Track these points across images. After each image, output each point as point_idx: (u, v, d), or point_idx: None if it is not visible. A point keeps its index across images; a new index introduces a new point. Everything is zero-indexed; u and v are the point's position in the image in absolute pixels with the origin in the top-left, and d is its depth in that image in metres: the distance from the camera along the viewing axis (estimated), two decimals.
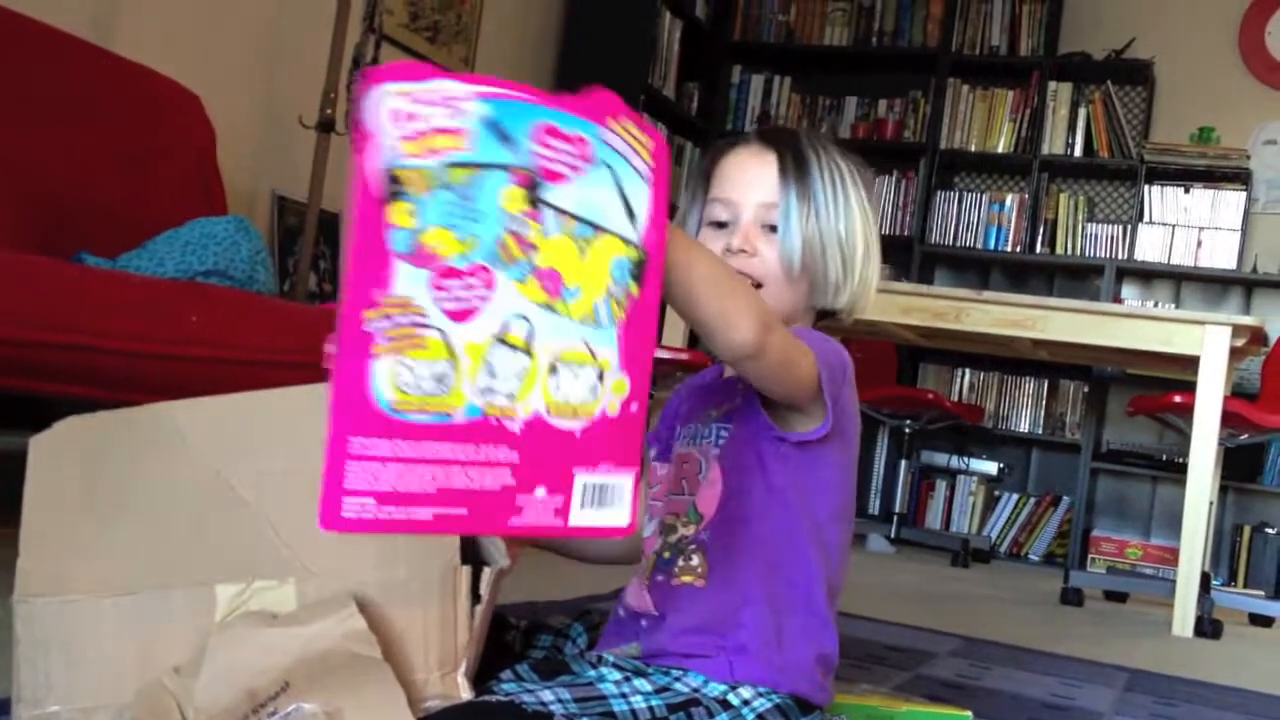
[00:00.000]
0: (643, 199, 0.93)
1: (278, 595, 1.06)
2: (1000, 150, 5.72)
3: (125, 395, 1.84)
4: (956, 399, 5.65)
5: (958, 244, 5.75)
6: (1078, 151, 5.61)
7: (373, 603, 1.07)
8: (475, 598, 1.12)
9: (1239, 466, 5.03)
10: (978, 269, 5.83)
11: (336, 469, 0.85)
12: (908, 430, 5.30)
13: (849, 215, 1.27)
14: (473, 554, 1.15)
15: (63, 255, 2.26)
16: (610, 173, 0.91)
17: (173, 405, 1.15)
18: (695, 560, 1.23)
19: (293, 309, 2.44)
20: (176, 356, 1.87)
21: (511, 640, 1.32)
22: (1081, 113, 5.62)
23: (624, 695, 1.13)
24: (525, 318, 0.89)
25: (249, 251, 2.46)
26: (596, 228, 0.91)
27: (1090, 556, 5.33)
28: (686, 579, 1.23)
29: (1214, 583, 4.30)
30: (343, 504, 0.85)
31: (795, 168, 1.27)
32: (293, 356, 2.03)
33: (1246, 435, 3.95)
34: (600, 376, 0.92)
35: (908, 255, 5.72)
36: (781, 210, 1.26)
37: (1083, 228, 5.59)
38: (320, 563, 1.08)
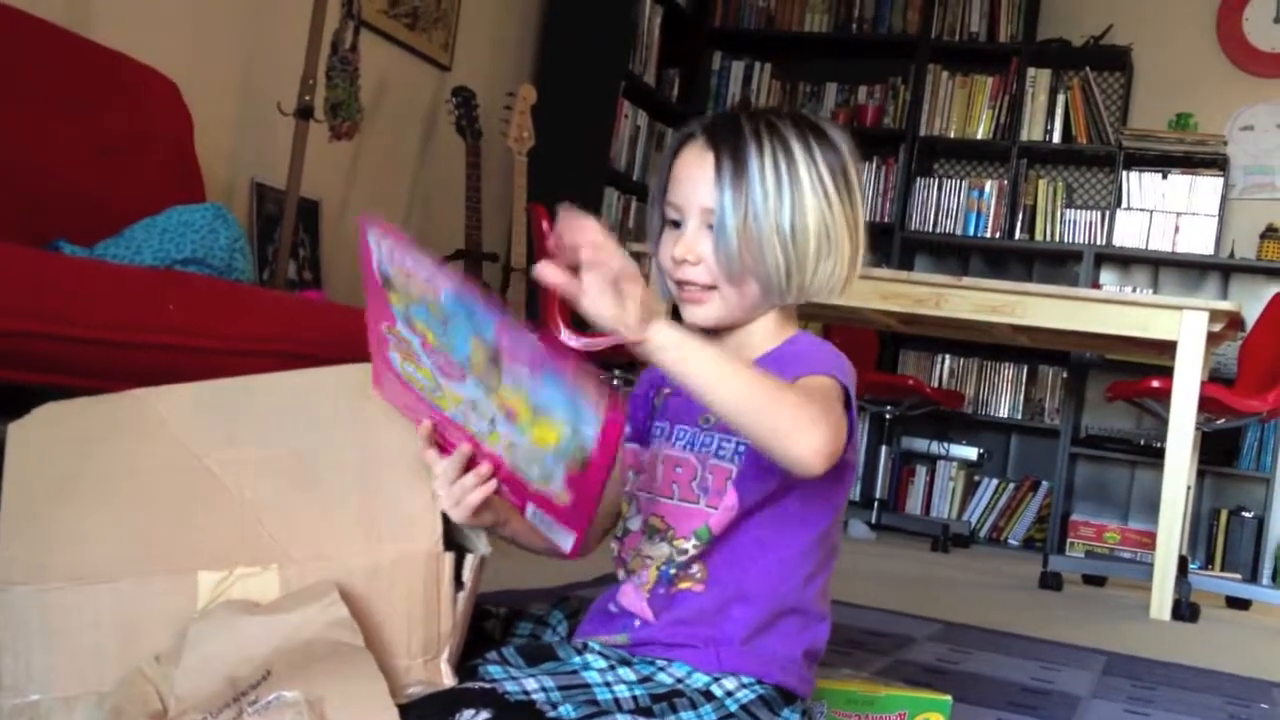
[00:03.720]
0: (592, 427, 0.98)
1: (260, 582, 1.06)
2: (979, 137, 5.73)
3: (103, 384, 1.82)
4: (937, 385, 5.67)
5: (937, 230, 5.76)
6: (1056, 138, 5.62)
7: (355, 589, 1.06)
8: (458, 584, 1.11)
9: (1216, 451, 5.06)
10: (957, 255, 5.84)
11: (377, 378, 1.19)
12: (888, 416, 5.31)
13: (796, 205, 1.20)
14: (455, 541, 1.14)
15: (39, 243, 2.25)
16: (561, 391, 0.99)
17: (153, 391, 1.15)
18: (695, 568, 1.22)
19: (272, 297, 2.43)
20: (154, 345, 1.86)
21: (491, 628, 1.31)
22: (1060, 99, 5.63)
23: (608, 684, 1.13)
24: (491, 408, 1.07)
25: (227, 239, 2.45)
26: (549, 415, 1.01)
27: (1069, 541, 5.36)
28: (685, 585, 1.22)
29: (1191, 566, 4.32)
30: (381, 391, 1.19)
31: (731, 166, 1.21)
32: (272, 345, 2.03)
33: (1223, 420, 3.98)
34: (549, 478, 1.06)
35: (888, 242, 5.73)
36: (716, 214, 1.21)
37: (1061, 214, 5.61)
38: (302, 549, 1.08)
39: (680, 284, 1.25)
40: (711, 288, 1.24)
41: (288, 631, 1.01)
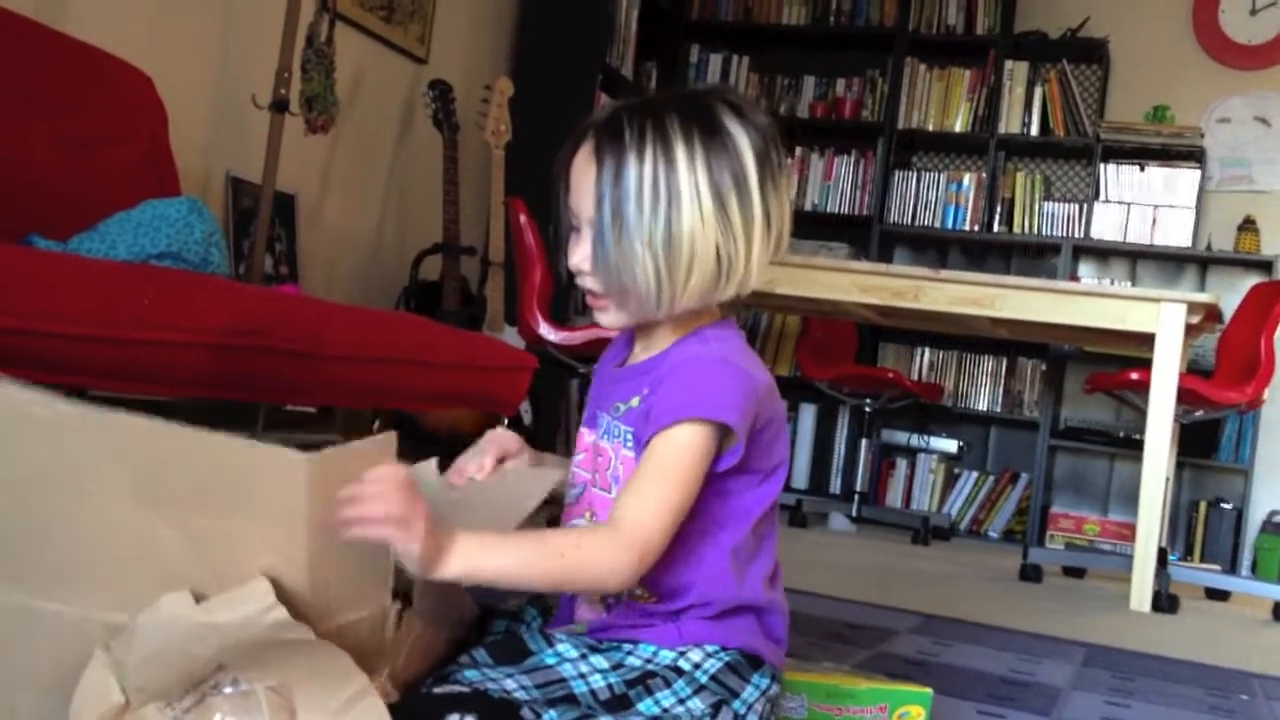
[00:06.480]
0: None
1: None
2: (958, 129, 5.74)
3: (77, 379, 1.81)
4: (916, 378, 5.68)
5: (916, 223, 5.77)
6: (1034, 130, 5.64)
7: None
8: (406, 602, 1.10)
9: (1195, 442, 5.08)
10: (936, 248, 5.85)
11: None
12: (868, 409, 5.31)
13: (673, 215, 1.13)
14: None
15: (12, 238, 2.22)
16: None
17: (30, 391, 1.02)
18: (638, 588, 1.20)
19: (248, 291, 2.41)
20: (130, 340, 1.84)
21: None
22: (1038, 91, 5.65)
23: (582, 675, 1.13)
24: None
25: (202, 233, 2.43)
26: None
27: (1049, 533, 5.38)
28: (638, 597, 1.20)
29: (1170, 558, 4.34)
30: None
31: (611, 177, 1.14)
32: (246, 339, 2.01)
33: (1202, 411, 3.99)
34: None
35: (866, 234, 5.74)
36: (594, 227, 1.15)
37: (1039, 206, 5.62)
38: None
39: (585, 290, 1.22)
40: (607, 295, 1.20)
41: (232, 632, 0.97)
